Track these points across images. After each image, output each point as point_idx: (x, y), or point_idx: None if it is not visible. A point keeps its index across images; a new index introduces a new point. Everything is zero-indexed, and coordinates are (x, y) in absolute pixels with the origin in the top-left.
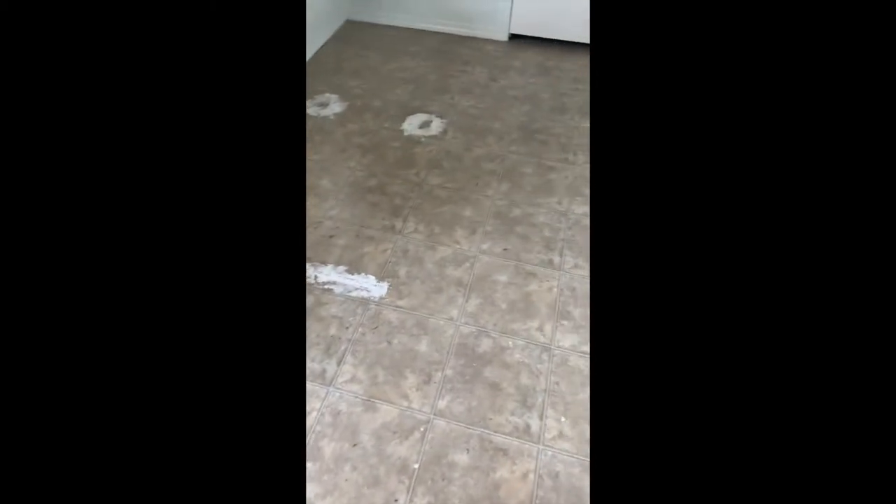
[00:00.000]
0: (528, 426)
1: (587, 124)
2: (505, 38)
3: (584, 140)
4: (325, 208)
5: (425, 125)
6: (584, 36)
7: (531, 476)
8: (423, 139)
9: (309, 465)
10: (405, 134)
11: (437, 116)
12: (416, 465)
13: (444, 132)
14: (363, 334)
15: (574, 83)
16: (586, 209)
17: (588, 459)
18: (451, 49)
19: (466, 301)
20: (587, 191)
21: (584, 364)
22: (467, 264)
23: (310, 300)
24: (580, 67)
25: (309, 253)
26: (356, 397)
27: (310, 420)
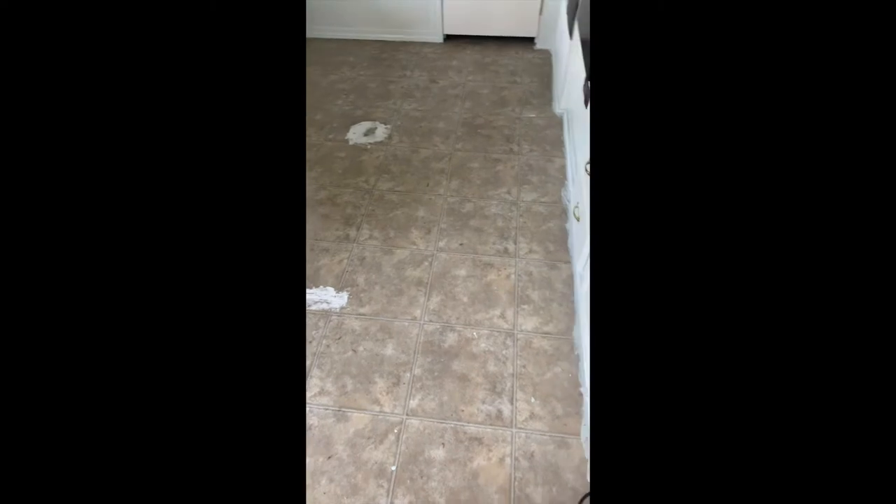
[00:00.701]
0: (499, 412)
1: (528, 114)
2: (440, 39)
3: (526, 130)
4: None
5: (370, 132)
6: (515, 30)
7: (507, 460)
8: (369, 146)
9: None
10: (350, 143)
11: (382, 123)
12: (394, 468)
13: (390, 137)
14: (327, 346)
15: (511, 76)
16: (535, 196)
17: (561, 435)
18: (389, 55)
19: (428, 299)
20: (534, 178)
21: (547, 344)
22: (426, 264)
23: None
24: (515, 61)
25: None
26: (326, 409)
27: None
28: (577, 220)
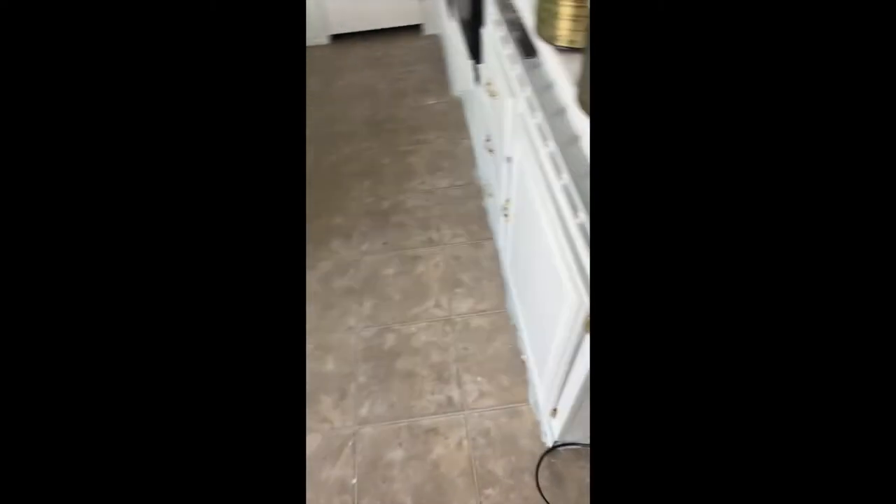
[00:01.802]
0: (450, 399)
1: (428, 102)
2: (326, 41)
3: (429, 117)
4: None
5: None
6: (401, 19)
7: (465, 442)
8: None
9: None
10: None
11: None
12: (355, 480)
13: None
14: None
15: (405, 66)
16: (449, 181)
17: (511, 405)
18: None
19: (360, 306)
20: (445, 164)
21: (484, 321)
22: (352, 271)
23: None
24: (406, 51)
25: None
26: None
27: None
28: (490, 196)
